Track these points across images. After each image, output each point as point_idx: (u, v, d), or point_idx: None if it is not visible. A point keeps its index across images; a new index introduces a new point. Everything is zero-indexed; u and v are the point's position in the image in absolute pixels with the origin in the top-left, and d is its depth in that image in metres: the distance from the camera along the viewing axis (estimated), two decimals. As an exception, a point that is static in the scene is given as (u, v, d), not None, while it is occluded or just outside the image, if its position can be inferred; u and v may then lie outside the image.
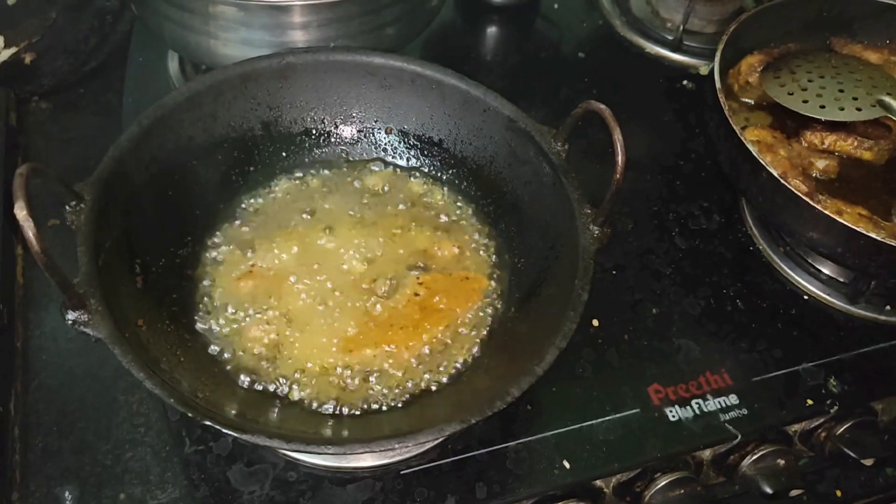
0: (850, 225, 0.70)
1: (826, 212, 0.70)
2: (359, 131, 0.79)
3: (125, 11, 1.00)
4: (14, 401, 0.70)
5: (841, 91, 0.82)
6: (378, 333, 0.67)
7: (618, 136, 0.59)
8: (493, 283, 0.72)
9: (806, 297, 0.83)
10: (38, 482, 0.66)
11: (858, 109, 0.80)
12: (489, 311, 0.70)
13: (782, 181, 0.73)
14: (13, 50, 0.95)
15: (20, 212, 0.48)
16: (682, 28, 1.05)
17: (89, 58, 0.99)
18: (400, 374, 0.66)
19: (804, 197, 0.72)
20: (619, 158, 0.59)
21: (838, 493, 0.78)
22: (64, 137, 0.93)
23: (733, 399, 0.73)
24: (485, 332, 0.69)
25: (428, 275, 0.71)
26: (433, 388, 0.65)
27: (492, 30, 1.09)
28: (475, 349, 0.68)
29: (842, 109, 0.80)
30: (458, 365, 0.67)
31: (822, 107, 0.81)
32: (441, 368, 0.66)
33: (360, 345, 0.66)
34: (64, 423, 0.70)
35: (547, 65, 1.06)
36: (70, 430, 0.69)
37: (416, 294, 0.70)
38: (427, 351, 0.67)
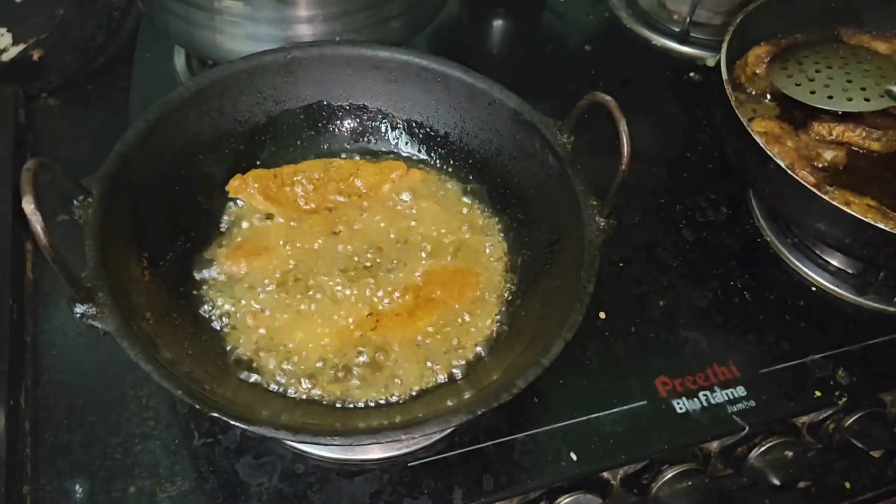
0: (858, 215, 0.69)
1: (834, 202, 0.70)
2: (364, 125, 0.79)
3: (132, 8, 1.00)
4: (25, 395, 0.70)
5: (849, 81, 0.82)
6: (381, 325, 0.67)
7: (623, 128, 0.59)
8: (496, 274, 0.72)
9: (814, 289, 0.82)
10: (49, 476, 0.67)
11: (867, 100, 0.80)
12: (494, 302, 0.70)
13: (790, 172, 0.72)
14: (21, 47, 0.95)
15: (28, 206, 0.48)
16: (689, 20, 1.04)
17: (97, 54, 0.99)
18: (406, 365, 0.65)
19: (812, 188, 0.71)
20: (625, 150, 0.59)
21: (847, 484, 0.78)
22: (73, 134, 0.93)
23: (741, 391, 0.73)
24: (490, 324, 0.69)
25: (427, 266, 0.71)
26: (440, 379, 0.65)
27: (498, 23, 1.09)
28: (481, 341, 0.68)
29: (850, 100, 0.80)
30: (465, 356, 0.67)
31: (830, 97, 0.81)
32: (448, 360, 0.66)
33: (365, 336, 0.66)
34: (74, 418, 0.70)
35: (553, 58, 1.06)
36: (80, 424, 0.70)
37: (417, 285, 0.70)
38: (430, 343, 0.67)
